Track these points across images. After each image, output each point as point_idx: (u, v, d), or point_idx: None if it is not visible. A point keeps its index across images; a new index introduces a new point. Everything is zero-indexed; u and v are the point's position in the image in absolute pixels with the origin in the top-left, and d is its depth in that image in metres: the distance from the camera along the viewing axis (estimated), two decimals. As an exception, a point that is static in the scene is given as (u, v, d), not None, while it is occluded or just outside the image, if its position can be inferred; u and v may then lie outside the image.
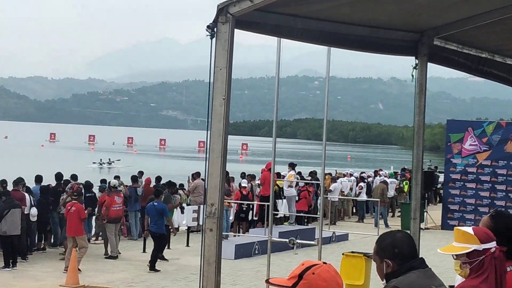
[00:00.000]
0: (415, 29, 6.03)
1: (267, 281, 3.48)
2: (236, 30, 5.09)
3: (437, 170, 39.16)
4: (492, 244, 4.36)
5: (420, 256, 4.19)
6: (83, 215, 16.87)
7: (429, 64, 6.51)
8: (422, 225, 24.98)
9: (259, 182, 25.66)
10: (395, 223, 28.13)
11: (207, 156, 5.88)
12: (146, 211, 17.85)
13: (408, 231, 4.87)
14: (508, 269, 4.88)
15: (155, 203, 17.71)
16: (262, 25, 5.06)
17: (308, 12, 5.23)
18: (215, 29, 5.17)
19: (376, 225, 28.02)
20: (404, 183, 33.50)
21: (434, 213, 27.64)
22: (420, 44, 6.07)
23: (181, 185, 25.40)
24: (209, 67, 5.55)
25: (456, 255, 4.33)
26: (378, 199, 28.14)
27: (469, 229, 4.41)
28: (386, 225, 27.12)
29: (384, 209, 29.69)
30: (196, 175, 25.45)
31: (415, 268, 4.02)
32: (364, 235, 23.59)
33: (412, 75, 6.15)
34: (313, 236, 20.21)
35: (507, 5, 5.73)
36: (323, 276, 3.30)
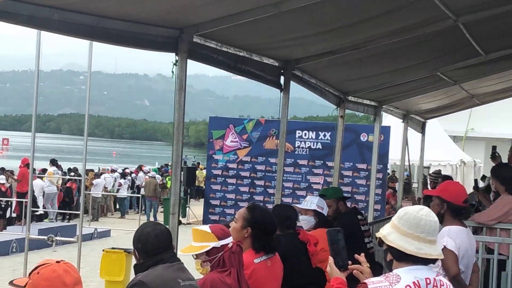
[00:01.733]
0: (175, 26, 6.05)
1: (10, 283, 3.34)
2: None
3: (199, 167, 39.93)
4: (229, 240, 4.50)
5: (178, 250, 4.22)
6: None
7: (195, 62, 6.58)
8: (185, 220, 25.40)
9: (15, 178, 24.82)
10: (159, 219, 28.36)
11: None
12: None
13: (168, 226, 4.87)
14: (258, 260, 5.08)
15: None
16: (16, 16, 4.82)
17: (66, 4, 5.08)
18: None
19: (155, 218, 28.31)
20: (167, 179, 33.82)
21: (197, 208, 28.19)
22: (180, 41, 6.10)
23: None
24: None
25: (196, 254, 4.40)
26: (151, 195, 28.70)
27: (206, 228, 4.51)
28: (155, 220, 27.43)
29: (155, 204, 29.99)
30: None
31: (163, 261, 4.03)
32: (126, 231, 23.52)
33: (173, 72, 6.16)
34: (74, 232, 19.79)
35: (260, 6, 5.93)
36: (45, 276, 3.24)
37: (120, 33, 5.71)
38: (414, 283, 3.52)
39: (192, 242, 4.43)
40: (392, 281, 3.52)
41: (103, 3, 5.21)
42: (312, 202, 7.28)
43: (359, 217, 8.35)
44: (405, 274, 3.56)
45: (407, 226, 3.62)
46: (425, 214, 3.65)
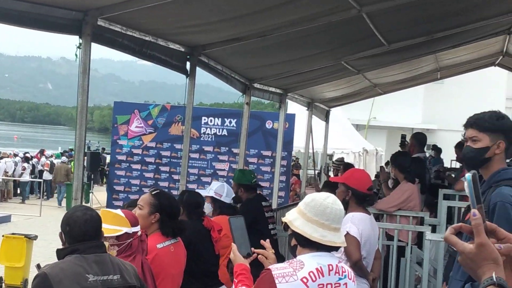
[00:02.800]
0: (79, 8, 5.93)
1: None
2: None
3: (105, 151, 39.41)
4: (139, 228, 4.49)
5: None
6: None
7: (99, 46, 6.47)
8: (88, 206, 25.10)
9: None
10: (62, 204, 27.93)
11: None
12: None
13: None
14: (161, 245, 5.07)
15: None
16: None
17: (-36, -18, 4.91)
18: None
19: (60, 204, 27.85)
20: (72, 163, 33.25)
21: (100, 194, 27.83)
22: (84, 24, 5.97)
23: None
24: None
25: (105, 236, 4.30)
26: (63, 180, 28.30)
27: (119, 212, 4.46)
28: (60, 205, 27.22)
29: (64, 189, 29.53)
30: None
31: (77, 251, 3.82)
32: (27, 216, 23.00)
33: (76, 55, 6.04)
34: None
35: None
36: None
37: (22, 14, 5.55)
38: (317, 269, 3.58)
39: (103, 223, 4.34)
40: (296, 267, 3.57)
41: (4, -18, 5.06)
42: (211, 188, 7.30)
43: (264, 203, 8.41)
44: (309, 260, 3.61)
45: (313, 213, 3.67)
46: (331, 202, 3.71)
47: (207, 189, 7.33)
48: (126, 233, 4.36)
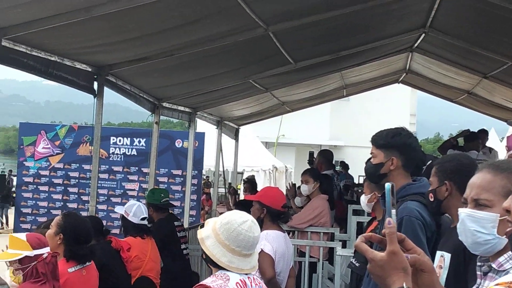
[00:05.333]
0: (-18, 29, 5.81)
1: None
2: None
3: (12, 174, 38.39)
4: (45, 250, 4.41)
5: None
6: None
7: (3, 67, 6.33)
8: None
9: None
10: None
11: None
12: None
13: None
14: (72, 269, 4.99)
15: None
16: None
17: None
18: None
19: None
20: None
21: (8, 216, 27.11)
22: (-13, 45, 5.86)
23: None
24: None
25: (9, 261, 4.29)
26: None
27: (22, 236, 4.41)
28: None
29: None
30: None
31: None
32: None
33: (-21, 76, 5.90)
34: None
35: (71, 11, 5.81)
36: None
37: None
38: (241, 280, 3.62)
39: (8, 249, 4.31)
40: (224, 279, 3.59)
41: None
42: (123, 207, 7.26)
43: (176, 223, 8.37)
44: (232, 273, 3.64)
45: (225, 236, 3.66)
46: (246, 228, 3.69)
47: (120, 207, 7.32)
48: (26, 256, 4.29)
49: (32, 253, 4.31)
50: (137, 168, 16.89)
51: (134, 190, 17.04)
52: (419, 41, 10.77)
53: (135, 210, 7.10)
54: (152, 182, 10.69)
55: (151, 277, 7.01)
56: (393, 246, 2.05)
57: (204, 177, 22.52)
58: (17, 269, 4.29)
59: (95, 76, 8.16)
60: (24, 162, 17.45)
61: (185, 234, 8.77)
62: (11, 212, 29.10)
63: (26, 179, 17.45)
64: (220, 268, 3.67)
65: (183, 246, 8.31)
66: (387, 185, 2.16)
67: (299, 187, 9.64)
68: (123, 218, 7.15)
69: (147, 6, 5.95)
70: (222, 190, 20.15)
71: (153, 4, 5.95)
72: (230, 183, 15.44)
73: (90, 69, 7.97)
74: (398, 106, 36.96)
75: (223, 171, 16.94)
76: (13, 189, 34.16)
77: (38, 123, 20.43)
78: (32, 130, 17.67)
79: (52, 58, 7.10)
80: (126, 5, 5.85)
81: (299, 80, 12.04)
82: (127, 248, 6.34)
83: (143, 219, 7.11)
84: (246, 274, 3.70)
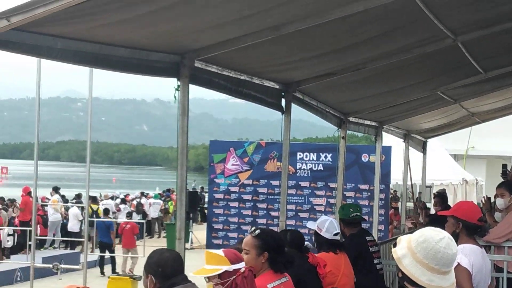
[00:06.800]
0: (177, 51, 6.06)
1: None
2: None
3: (204, 191, 39.80)
4: (241, 265, 4.50)
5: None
6: None
7: (192, 85, 6.59)
8: (188, 245, 25.29)
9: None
10: (161, 244, 28.16)
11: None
12: None
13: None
14: (271, 285, 5.04)
15: None
16: (19, 45, 4.82)
17: (68, 33, 5.08)
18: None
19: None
20: (169, 203, 33.75)
21: (199, 232, 28.05)
22: (182, 66, 6.10)
23: None
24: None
25: (208, 277, 4.41)
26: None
27: (219, 252, 4.53)
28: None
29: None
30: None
31: (176, 284, 4.18)
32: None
33: (175, 97, 6.17)
34: (78, 260, 19.72)
35: (260, 30, 5.93)
36: None
37: (121, 59, 5.72)
38: None
39: (204, 264, 4.45)
40: None
41: (105, 31, 5.22)
42: (315, 222, 7.26)
43: (368, 238, 8.29)
44: None
45: (423, 254, 3.56)
46: (444, 246, 3.56)
47: (313, 222, 7.35)
48: (226, 271, 4.41)
49: (231, 267, 4.42)
50: (324, 183, 16.97)
51: (321, 205, 17.13)
52: None
53: (328, 226, 7.09)
54: (340, 197, 10.67)
55: (344, 292, 6.98)
56: None
57: (392, 191, 22.24)
58: (217, 284, 4.42)
59: (283, 93, 8.29)
60: (214, 179, 18.05)
61: (378, 249, 8.66)
62: (195, 228, 30.13)
63: (217, 196, 18.02)
64: (419, 287, 3.57)
65: (376, 261, 8.22)
66: None
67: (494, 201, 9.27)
68: (315, 233, 7.16)
69: (338, 21, 5.96)
70: (410, 204, 19.79)
71: (343, 19, 5.96)
72: (418, 197, 15.12)
73: (278, 86, 8.11)
74: None
75: (411, 185, 16.65)
76: (205, 205, 35.51)
77: (227, 140, 21.07)
78: (221, 147, 18.25)
79: (242, 77, 7.29)
80: (314, 22, 5.90)
81: (490, 90, 11.60)
82: (323, 264, 6.35)
83: (335, 234, 7.09)
84: None
